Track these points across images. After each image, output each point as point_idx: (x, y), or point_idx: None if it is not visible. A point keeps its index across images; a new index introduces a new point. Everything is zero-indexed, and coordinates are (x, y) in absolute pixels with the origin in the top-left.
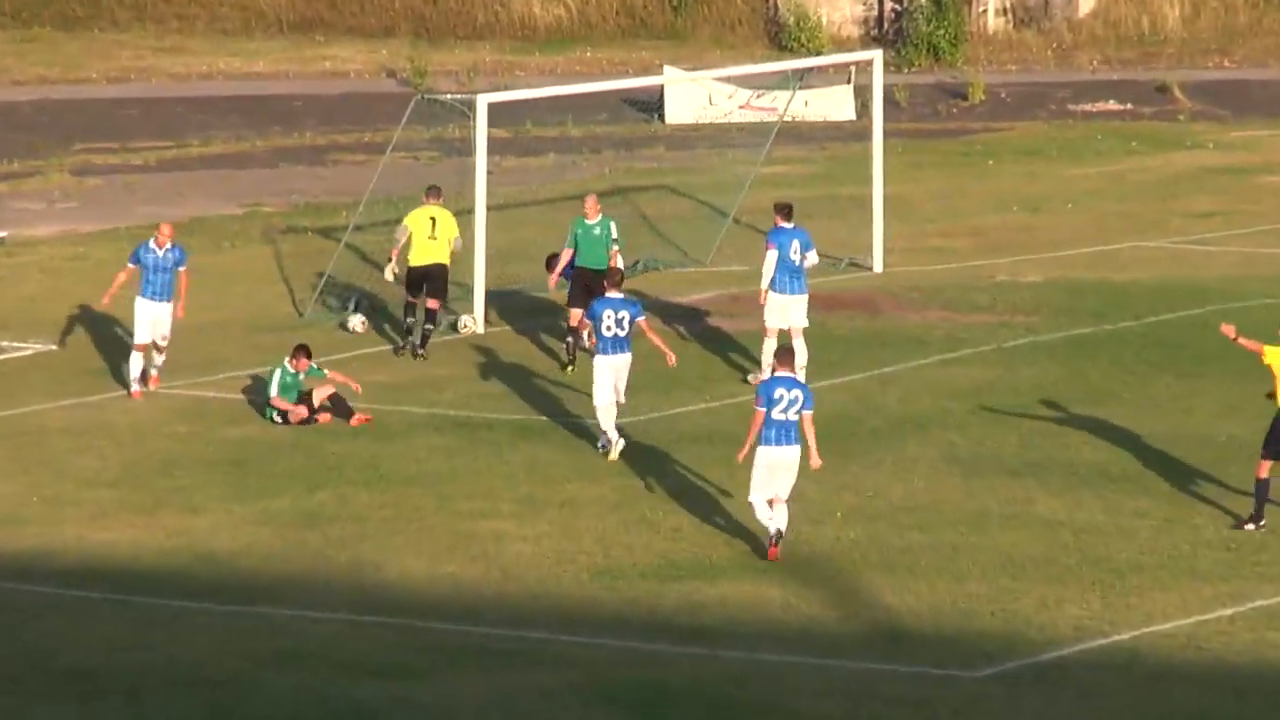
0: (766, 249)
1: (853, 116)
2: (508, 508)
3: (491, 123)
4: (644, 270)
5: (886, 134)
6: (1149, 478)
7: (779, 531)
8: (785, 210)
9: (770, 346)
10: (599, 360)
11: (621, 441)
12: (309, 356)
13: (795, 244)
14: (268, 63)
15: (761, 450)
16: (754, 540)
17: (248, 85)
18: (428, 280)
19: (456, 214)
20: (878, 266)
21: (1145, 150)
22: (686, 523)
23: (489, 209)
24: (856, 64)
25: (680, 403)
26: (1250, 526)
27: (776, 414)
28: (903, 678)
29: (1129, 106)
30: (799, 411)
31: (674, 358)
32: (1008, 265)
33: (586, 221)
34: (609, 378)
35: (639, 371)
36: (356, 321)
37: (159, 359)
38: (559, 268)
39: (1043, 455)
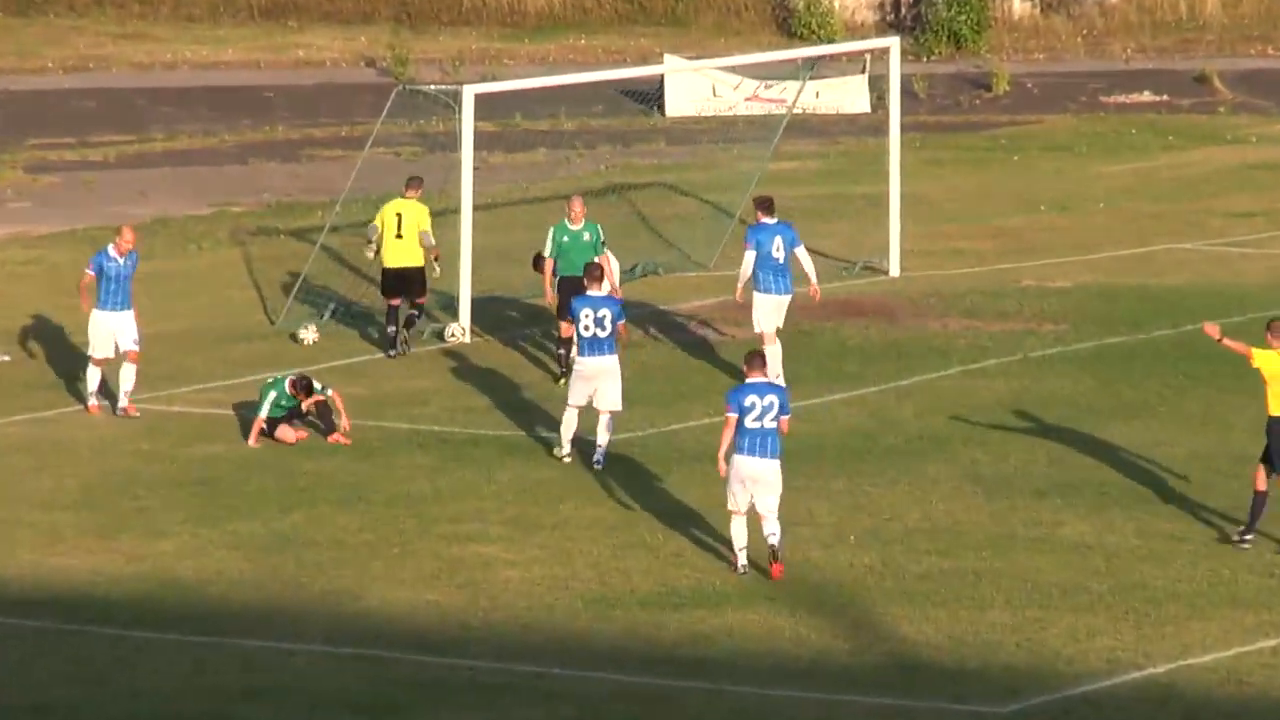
0: (745, 249)
1: (868, 109)
2: (496, 531)
3: (478, 115)
4: (643, 274)
5: (904, 127)
6: (1186, 499)
7: (774, 548)
8: (765, 204)
9: (774, 352)
10: (577, 363)
11: (569, 458)
12: (310, 393)
13: (777, 240)
14: (237, 51)
15: (735, 459)
16: (761, 565)
17: (215, 75)
18: (403, 285)
19: (440, 214)
20: (894, 270)
21: (1182, 145)
22: (689, 547)
23: (476, 208)
24: (872, 52)
25: (681, 417)
26: None
27: (750, 422)
28: (920, 714)
29: (1165, 98)
30: (775, 419)
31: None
32: (1034, 269)
33: (571, 226)
34: (583, 385)
35: (637, 384)
36: (308, 334)
37: (129, 377)
38: (548, 275)
39: (1072, 474)
